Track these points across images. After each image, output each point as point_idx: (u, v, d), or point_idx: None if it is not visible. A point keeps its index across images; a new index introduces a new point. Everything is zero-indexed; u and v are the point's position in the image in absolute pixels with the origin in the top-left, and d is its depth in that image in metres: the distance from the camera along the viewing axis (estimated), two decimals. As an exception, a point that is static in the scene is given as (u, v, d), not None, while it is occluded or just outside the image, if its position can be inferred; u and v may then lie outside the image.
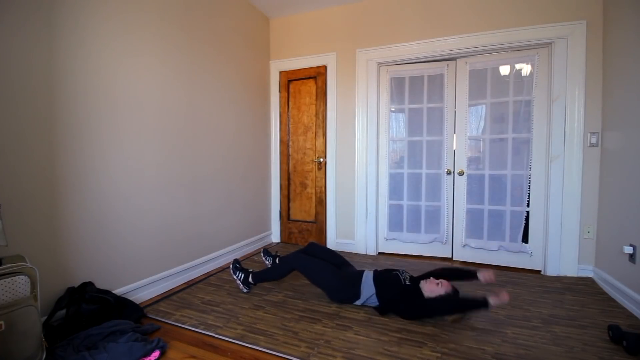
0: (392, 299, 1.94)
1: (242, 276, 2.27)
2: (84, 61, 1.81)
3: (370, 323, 1.86)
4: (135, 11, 2.10)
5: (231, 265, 2.33)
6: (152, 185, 2.24)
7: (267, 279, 2.27)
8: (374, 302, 2.01)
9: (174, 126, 2.40)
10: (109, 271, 1.96)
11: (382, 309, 1.97)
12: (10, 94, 1.52)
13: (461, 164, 3.02)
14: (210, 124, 2.77)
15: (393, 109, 3.29)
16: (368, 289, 2.02)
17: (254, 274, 2.27)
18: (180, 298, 2.20)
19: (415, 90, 3.17)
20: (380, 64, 3.23)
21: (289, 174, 3.68)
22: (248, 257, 3.17)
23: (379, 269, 2.15)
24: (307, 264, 2.12)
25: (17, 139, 1.54)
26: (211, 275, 2.65)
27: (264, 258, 2.67)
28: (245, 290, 2.27)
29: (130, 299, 1.98)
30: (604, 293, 2.28)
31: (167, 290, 2.34)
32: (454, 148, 3.06)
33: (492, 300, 1.72)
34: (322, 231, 3.49)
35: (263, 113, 3.57)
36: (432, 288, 1.89)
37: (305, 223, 3.61)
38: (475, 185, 3.00)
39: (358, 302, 2.05)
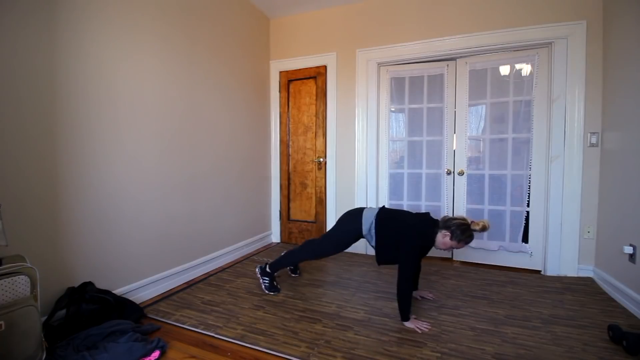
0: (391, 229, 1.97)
1: (268, 280, 2.29)
2: (85, 61, 1.81)
3: (370, 323, 1.86)
4: (135, 11, 2.10)
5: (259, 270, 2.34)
6: (152, 184, 2.24)
7: (285, 264, 2.29)
8: (373, 236, 2.02)
9: (173, 126, 2.40)
10: (109, 271, 1.96)
11: (378, 242, 2.00)
12: (13, 93, 1.52)
13: (461, 164, 3.02)
14: (209, 123, 2.77)
15: (393, 109, 3.29)
16: (368, 219, 2.06)
17: (271, 264, 2.29)
18: (181, 298, 2.20)
19: (415, 90, 3.17)
20: (380, 64, 3.23)
21: (289, 174, 3.68)
22: (248, 257, 3.17)
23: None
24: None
25: (19, 138, 1.54)
26: (211, 275, 2.65)
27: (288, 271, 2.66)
28: (274, 293, 2.27)
29: (130, 298, 1.98)
30: (604, 293, 2.28)
31: (167, 290, 2.34)
32: (454, 148, 3.06)
33: (408, 323, 1.81)
34: (322, 231, 3.49)
35: (263, 113, 3.57)
36: (446, 241, 1.87)
37: (305, 223, 3.61)
38: (475, 185, 3.00)
39: (363, 231, 2.06)
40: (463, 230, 1.82)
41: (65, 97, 1.73)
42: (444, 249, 1.90)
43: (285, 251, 2.31)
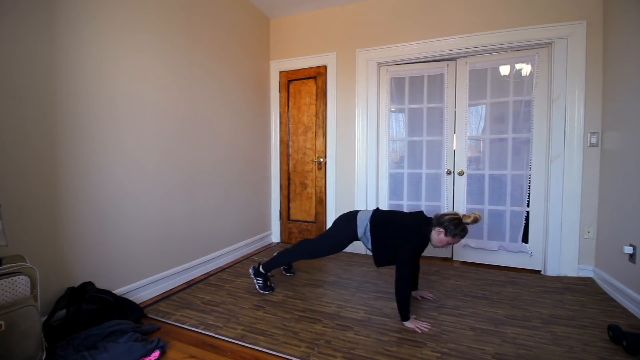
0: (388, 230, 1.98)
1: (261, 280, 2.29)
2: (84, 61, 1.81)
3: (370, 323, 1.86)
4: (135, 11, 2.10)
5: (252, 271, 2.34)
6: (152, 184, 2.23)
7: (279, 263, 2.29)
8: (369, 237, 2.03)
9: (173, 125, 2.40)
10: (109, 271, 1.96)
11: (374, 241, 2.00)
12: (13, 93, 1.52)
13: (461, 164, 3.02)
14: (209, 124, 2.77)
15: (393, 109, 3.29)
16: (362, 222, 2.07)
17: (264, 265, 2.29)
18: (181, 298, 2.20)
19: (415, 90, 3.17)
20: (380, 64, 3.23)
21: (289, 174, 3.68)
22: (248, 257, 3.17)
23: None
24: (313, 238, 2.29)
25: (19, 138, 1.54)
26: (211, 275, 2.65)
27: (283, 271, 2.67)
28: (268, 292, 2.28)
29: (130, 298, 1.98)
30: (604, 293, 2.28)
31: (167, 290, 2.34)
32: (454, 148, 3.06)
33: (407, 323, 1.82)
34: (322, 231, 3.49)
35: (263, 113, 3.57)
36: (441, 238, 1.87)
37: (305, 223, 3.61)
38: (475, 185, 3.00)
39: (359, 234, 2.07)
40: (456, 225, 1.84)
41: (65, 97, 1.73)
42: (441, 246, 1.91)
43: (278, 251, 2.32)
